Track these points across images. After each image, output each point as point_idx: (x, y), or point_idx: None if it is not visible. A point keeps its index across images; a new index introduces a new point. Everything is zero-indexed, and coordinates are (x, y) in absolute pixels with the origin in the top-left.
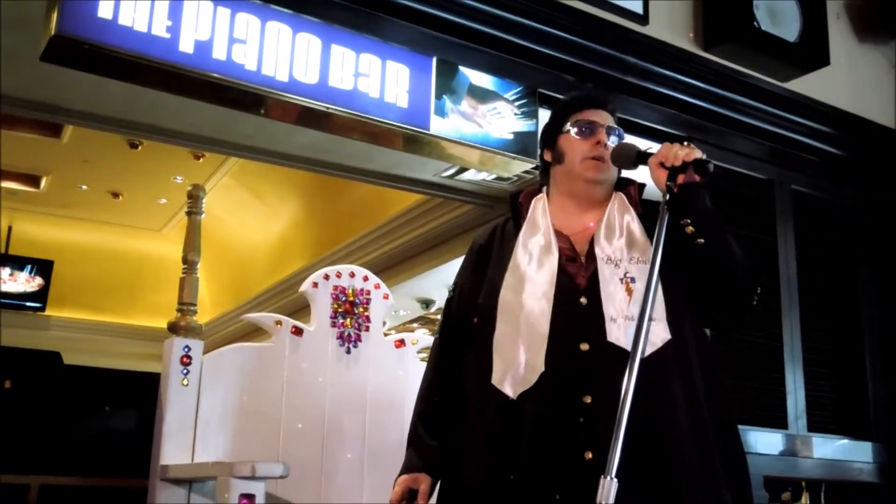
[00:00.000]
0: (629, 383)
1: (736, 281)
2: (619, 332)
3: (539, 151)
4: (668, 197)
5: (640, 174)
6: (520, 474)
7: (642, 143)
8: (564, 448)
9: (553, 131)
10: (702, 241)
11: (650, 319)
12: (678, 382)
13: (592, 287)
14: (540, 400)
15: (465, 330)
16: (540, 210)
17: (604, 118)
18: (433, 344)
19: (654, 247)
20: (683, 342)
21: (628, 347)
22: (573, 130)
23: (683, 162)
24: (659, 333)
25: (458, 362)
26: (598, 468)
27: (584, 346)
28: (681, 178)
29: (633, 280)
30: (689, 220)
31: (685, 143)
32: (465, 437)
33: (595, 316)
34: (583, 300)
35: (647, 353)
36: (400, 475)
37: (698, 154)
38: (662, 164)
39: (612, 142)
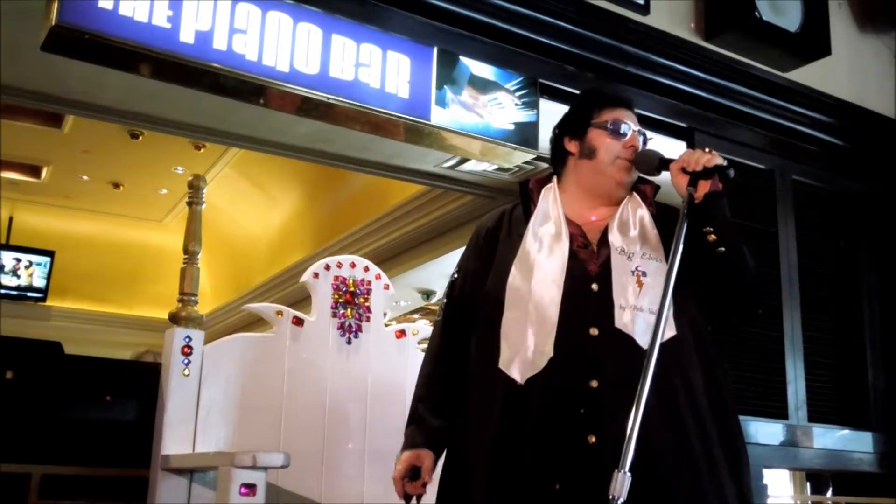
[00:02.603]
0: (644, 382)
1: (747, 292)
2: (627, 319)
3: (556, 138)
4: (687, 202)
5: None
6: (524, 460)
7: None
8: (568, 433)
9: (581, 123)
10: (723, 249)
11: (666, 320)
12: (678, 374)
13: (604, 274)
14: (547, 384)
15: (468, 313)
16: (551, 199)
17: (633, 120)
18: (434, 326)
19: (673, 251)
20: (686, 337)
21: (635, 335)
22: (609, 128)
23: (704, 168)
24: (665, 330)
25: (460, 345)
26: (601, 453)
27: (594, 331)
28: (702, 184)
29: (644, 274)
30: (711, 229)
31: (707, 150)
32: (469, 421)
33: (605, 302)
34: (594, 286)
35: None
36: (402, 452)
37: (720, 160)
38: (684, 170)
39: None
